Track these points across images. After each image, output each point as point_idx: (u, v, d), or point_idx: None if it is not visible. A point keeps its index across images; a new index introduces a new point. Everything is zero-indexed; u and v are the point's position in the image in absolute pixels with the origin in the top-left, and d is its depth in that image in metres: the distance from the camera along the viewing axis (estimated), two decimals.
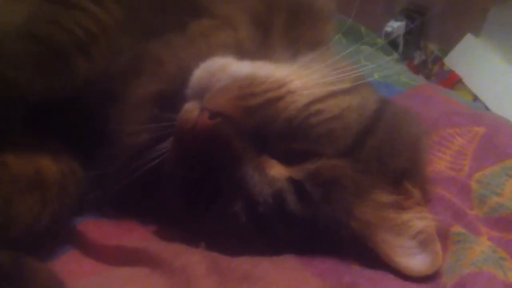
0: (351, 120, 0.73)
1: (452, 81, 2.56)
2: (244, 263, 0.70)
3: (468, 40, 2.63)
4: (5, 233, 0.69)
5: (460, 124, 1.04)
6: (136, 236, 0.80)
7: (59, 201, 0.76)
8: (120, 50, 0.78)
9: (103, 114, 0.79)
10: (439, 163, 0.96)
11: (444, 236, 0.77)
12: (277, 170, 0.70)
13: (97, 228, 0.81)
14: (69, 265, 0.75)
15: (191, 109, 0.71)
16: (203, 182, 0.71)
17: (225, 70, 0.73)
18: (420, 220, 0.74)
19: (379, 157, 0.74)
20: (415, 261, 0.72)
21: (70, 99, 0.76)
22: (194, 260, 0.70)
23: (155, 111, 0.78)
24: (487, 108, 2.34)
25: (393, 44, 2.73)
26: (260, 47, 0.84)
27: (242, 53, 0.78)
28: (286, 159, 0.71)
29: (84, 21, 0.74)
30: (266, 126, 0.70)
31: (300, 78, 0.74)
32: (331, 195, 0.70)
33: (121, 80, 0.79)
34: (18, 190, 0.72)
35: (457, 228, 0.79)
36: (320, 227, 0.70)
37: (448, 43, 2.71)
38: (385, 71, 1.37)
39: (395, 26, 2.82)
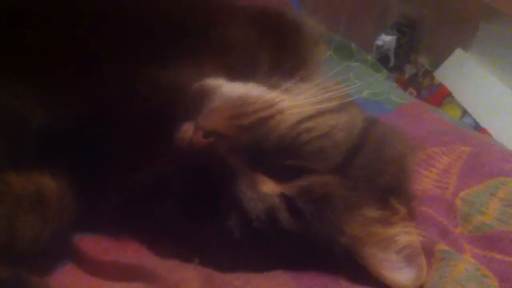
0: (340, 138, 0.76)
1: (442, 95, 2.57)
2: (237, 279, 0.72)
3: (458, 54, 2.64)
4: (7, 250, 0.70)
5: (446, 143, 1.06)
6: (132, 251, 0.82)
7: (59, 218, 0.77)
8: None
9: (100, 131, 0.81)
10: (425, 181, 0.97)
11: (429, 253, 0.79)
12: (270, 187, 0.73)
13: (94, 243, 0.82)
14: (66, 279, 0.76)
15: (185, 129, 0.73)
16: (198, 199, 0.74)
17: (217, 91, 0.75)
18: (406, 234, 0.76)
19: (366, 175, 0.77)
20: (401, 275, 0.74)
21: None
22: (189, 277, 0.72)
23: (149, 129, 0.80)
24: (476, 123, 2.36)
25: (384, 58, 2.76)
26: (250, 68, 0.87)
27: (233, 73, 0.81)
28: (279, 176, 0.73)
29: None
30: (258, 144, 0.72)
31: (289, 98, 0.77)
32: (322, 211, 0.72)
33: (116, 100, 0.81)
34: (20, 209, 0.73)
35: (442, 246, 0.81)
36: (311, 243, 0.73)
37: (438, 57, 2.73)
38: (375, 89, 1.40)
39: (386, 39, 2.84)
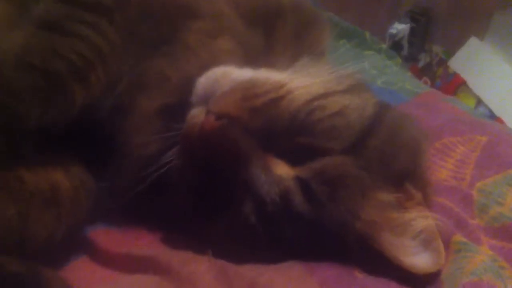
0: (352, 118, 0.75)
1: (456, 84, 2.56)
2: (250, 271, 0.71)
3: (473, 43, 2.63)
4: (22, 248, 0.71)
5: (463, 133, 1.04)
6: (145, 243, 0.82)
7: (73, 215, 0.78)
8: (120, 72, 0.80)
9: (111, 127, 0.81)
10: (441, 171, 0.96)
11: (445, 244, 0.77)
12: (284, 170, 0.72)
13: (107, 236, 0.82)
14: (80, 272, 0.77)
15: (197, 114, 0.73)
16: (211, 186, 0.73)
17: (227, 76, 0.76)
18: (422, 219, 0.75)
19: (380, 158, 0.76)
20: (419, 259, 0.73)
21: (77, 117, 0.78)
22: (202, 269, 0.71)
23: (162, 123, 0.80)
24: (490, 112, 2.35)
25: (397, 46, 2.74)
26: (263, 51, 0.88)
27: (246, 57, 0.83)
28: (292, 158, 0.73)
29: (79, 47, 0.75)
30: (271, 125, 0.72)
31: (299, 79, 0.77)
32: (336, 194, 0.71)
33: (127, 97, 0.81)
34: (34, 207, 0.74)
35: (459, 237, 0.80)
36: (325, 229, 0.72)
37: (453, 45, 2.72)
38: (390, 78, 1.38)
39: (400, 28, 2.82)
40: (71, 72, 0.75)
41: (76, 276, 0.74)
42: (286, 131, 0.72)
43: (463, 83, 2.53)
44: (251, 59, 0.82)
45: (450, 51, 2.73)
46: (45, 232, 0.74)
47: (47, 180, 0.77)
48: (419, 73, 2.69)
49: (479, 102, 2.44)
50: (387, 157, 0.76)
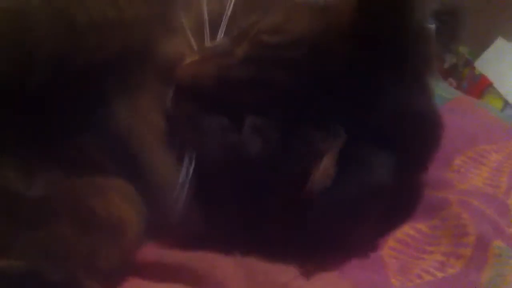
0: None
1: (483, 85, 2.53)
2: (281, 275, 0.71)
3: (499, 43, 2.60)
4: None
5: (496, 140, 1.04)
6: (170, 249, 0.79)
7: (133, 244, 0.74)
8: None
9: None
10: (476, 179, 0.95)
11: (485, 247, 0.78)
12: None
13: None
14: None
15: None
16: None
17: None
18: None
19: None
20: None
21: None
22: (230, 273, 0.71)
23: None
24: None
25: None
26: None
27: None
28: None
29: None
30: None
31: None
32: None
33: None
34: (104, 241, 0.69)
35: (499, 242, 0.79)
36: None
37: (479, 46, 2.69)
38: None
39: None
40: None
41: None
42: None
43: (490, 84, 2.50)
44: None
45: (476, 52, 2.71)
46: (108, 266, 0.69)
47: (115, 208, 0.71)
48: (445, 74, 2.66)
49: (506, 104, 2.42)
50: None
